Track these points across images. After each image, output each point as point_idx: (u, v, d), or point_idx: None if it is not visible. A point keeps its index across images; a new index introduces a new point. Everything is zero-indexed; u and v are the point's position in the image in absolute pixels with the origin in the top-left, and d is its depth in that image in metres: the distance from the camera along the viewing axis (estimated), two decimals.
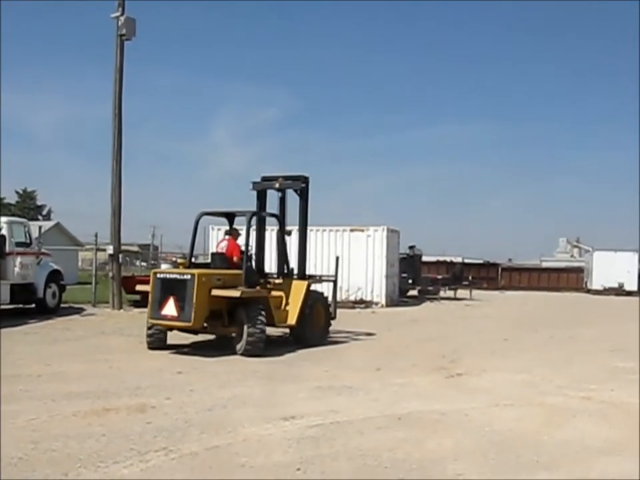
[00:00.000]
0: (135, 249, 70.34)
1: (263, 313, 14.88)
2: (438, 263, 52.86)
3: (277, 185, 17.05)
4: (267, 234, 17.98)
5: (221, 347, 15.28)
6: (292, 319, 16.22)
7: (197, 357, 14.39)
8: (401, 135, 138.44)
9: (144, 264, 59.01)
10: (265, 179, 17.48)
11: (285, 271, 17.10)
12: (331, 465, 7.13)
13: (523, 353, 16.51)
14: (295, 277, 16.93)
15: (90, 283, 27.74)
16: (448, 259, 54.71)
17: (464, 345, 17.43)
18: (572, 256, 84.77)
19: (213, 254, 17.45)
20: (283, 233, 17.34)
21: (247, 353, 14.44)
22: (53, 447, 7.42)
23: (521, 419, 9.48)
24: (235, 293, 14.67)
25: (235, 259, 16.18)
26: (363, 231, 32.85)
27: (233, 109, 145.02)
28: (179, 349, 15.38)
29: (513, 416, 9.62)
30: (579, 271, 60.30)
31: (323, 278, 18.99)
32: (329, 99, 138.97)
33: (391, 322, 23.68)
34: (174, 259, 35.02)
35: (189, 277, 14.68)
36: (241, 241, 16.81)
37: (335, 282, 18.32)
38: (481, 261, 61.34)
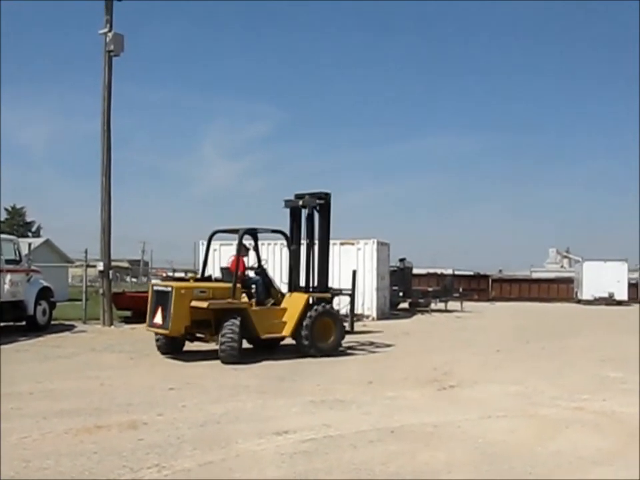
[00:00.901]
0: (125, 264, 70.41)
1: (236, 323, 15.77)
2: (428, 275, 52.89)
3: (301, 203, 17.79)
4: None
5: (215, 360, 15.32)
6: (287, 331, 16.84)
7: (189, 372, 14.36)
8: (390, 147, 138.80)
9: (134, 280, 59.07)
10: (297, 196, 18.14)
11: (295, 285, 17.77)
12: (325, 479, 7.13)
13: (514, 364, 16.52)
14: (311, 289, 17.62)
15: (80, 300, 27.64)
16: (438, 271, 54.74)
17: (456, 357, 17.43)
18: (562, 266, 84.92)
19: (221, 268, 18.16)
20: (290, 248, 18.01)
21: (222, 360, 15.47)
22: (45, 465, 7.39)
23: (514, 430, 9.49)
24: (203, 304, 15.67)
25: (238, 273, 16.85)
26: (353, 244, 32.88)
27: (221, 123, 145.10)
28: (183, 358, 15.49)
29: (505, 427, 9.62)
30: (569, 281, 60.43)
31: (344, 292, 19.76)
32: (316, 112, 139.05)
33: (383, 335, 23.64)
34: (164, 274, 35.07)
35: (169, 289, 16.09)
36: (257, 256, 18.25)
37: (352, 296, 18.80)
38: (471, 273, 61.41)
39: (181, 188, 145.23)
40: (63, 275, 42.39)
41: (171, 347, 16.62)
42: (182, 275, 37.49)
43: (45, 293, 23.33)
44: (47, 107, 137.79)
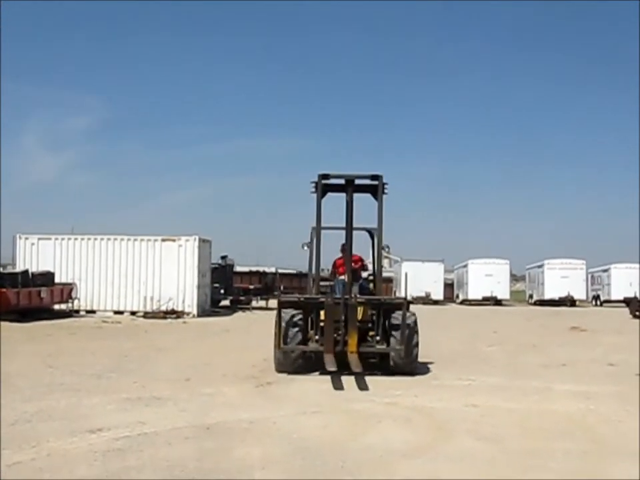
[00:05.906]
0: None
1: None
2: (250, 273, 53.01)
3: None
4: None
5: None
6: None
7: (3, 370, 13.89)
8: (212, 146, 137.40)
9: None
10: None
11: None
12: (137, 477, 7.08)
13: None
14: None
15: None
16: (261, 269, 54.96)
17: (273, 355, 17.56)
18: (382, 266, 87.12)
19: None
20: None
21: None
22: None
23: (328, 425, 9.68)
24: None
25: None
26: (174, 240, 32.79)
27: (43, 115, 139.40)
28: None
29: (319, 423, 9.81)
30: (389, 280, 61.99)
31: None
32: (142, 109, 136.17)
33: (202, 332, 23.63)
34: None
35: None
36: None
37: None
38: (294, 271, 62.03)
39: None
40: None
41: None
42: None
43: None
44: None
